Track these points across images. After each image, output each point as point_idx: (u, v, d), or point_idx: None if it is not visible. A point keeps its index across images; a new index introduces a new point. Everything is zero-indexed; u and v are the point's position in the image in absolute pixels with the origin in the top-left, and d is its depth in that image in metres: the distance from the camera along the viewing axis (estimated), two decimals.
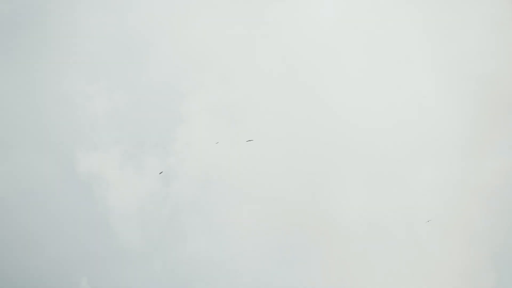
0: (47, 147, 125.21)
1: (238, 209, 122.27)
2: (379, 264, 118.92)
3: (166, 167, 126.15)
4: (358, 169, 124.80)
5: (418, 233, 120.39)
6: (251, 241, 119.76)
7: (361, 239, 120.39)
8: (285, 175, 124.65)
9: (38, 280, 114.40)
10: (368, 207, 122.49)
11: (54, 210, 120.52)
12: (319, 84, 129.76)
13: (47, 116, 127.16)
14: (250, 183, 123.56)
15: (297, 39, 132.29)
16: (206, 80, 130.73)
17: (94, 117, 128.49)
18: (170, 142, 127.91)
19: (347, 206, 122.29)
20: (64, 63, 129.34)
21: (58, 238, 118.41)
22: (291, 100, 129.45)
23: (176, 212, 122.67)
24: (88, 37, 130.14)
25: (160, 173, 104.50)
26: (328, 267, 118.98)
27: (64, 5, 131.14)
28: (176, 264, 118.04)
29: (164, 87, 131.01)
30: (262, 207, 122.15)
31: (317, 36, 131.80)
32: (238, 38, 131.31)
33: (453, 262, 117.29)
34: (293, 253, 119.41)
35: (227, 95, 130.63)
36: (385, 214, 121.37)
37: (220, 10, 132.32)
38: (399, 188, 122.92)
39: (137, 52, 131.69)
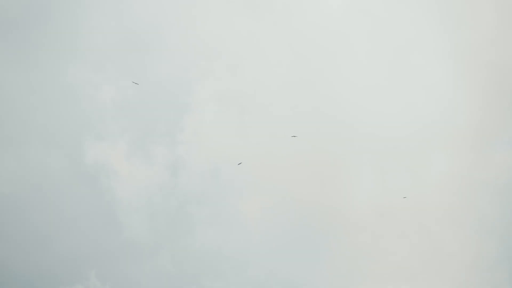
0: (54, 140, 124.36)
1: (246, 200, 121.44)
2: (389, 254, 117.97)
3: (174, 157, 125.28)
4: (367, 159, 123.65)
5: (428, 224, 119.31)
6: (259, 233, 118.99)
7: (370, 229, 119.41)
8: (294, 166, 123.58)
9: (46, 274, 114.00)
10: (378, 198, 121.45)
11: (62, 203, 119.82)
12: (327, 73, 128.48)
13: (54, 107, 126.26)
14: (259, 174, 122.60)
15: (305, 27, 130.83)
16: (215, 69, 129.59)
17: (102, 107, 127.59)
18: (178, 132, 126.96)
19: (357, 196, 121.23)
20: (70, 53, 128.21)
21: (66, 231, 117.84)
22: (300, 89, 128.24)
23: (184, 204, 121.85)
24: (95, 26, 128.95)
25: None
26: (337, 258, 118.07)
27: None
28: (184, 257, 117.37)
29: (172, 76, 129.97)
30: (271, 199, 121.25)
31: (325, 23, 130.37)
32: (246, 26, 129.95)
33: (464, 254, 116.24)
34: (301, 245, 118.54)
35: (236, 84, 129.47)
36: (395, 205, 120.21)
37: None
38: (410, 179, 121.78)
39: (145, 41, 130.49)
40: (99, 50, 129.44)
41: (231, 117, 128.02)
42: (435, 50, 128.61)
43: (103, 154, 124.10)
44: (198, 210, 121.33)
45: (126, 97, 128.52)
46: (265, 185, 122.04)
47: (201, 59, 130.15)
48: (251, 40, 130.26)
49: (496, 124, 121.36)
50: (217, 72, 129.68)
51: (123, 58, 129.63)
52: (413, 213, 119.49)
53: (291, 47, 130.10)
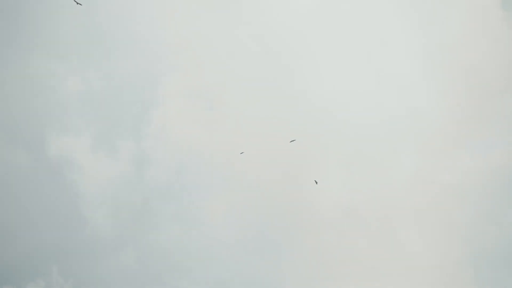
0: (16, 132, 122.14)
1: (212, 197, 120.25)
2: (355, 254, 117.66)
3: (139, 151, 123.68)
4: (335, 158, 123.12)
5: (394, 224, 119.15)
6: (225, 231, 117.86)
7: (336, 229, 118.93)
8: (262, 162, 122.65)
9: (7, 269, 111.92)
10: (345, 196, 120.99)
11: (24, 197, 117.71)
12: (296, 70, 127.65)
13: (15, 99, 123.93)
14: (225, 171, 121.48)
15: (275, 23, 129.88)
16: (183, 63, 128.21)
17: (66, 99, 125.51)
18: (144, 126, 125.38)
19: (324, 195, 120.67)
20: (33, 44, 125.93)
21: (28, 225, 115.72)
22: (269, 84, 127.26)
23: (149, 199, 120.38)
24: (61, 18, 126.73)
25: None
26: (303, 257, 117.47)
27: None
28: (148, 254, 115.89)
29: (139, 69, 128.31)
30: (237, 196, 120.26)
31: (295, 20, 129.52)
32: (215, 22, 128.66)
33: (430, 254, 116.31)
34: (267, 243, 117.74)
35: (204, 79, 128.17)
36: (362, 204, 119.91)
37: None
38: (377, 177, 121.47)
39: (112, 34, 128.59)
40: (64, 42, 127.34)
41: (198, 112, 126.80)
42: (406, 49, 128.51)
43: (67, 147, 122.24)
44: (163, 206, 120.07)
45: (92, 89, 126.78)
46: (231, 182, 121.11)
47: (169, 53, 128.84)
48: (220, 35, 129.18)
49: (465, 128, 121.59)
50: (185, 67, 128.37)
51: (88, 50, 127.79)
52: (379, 212, 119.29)
53: (261, 43, 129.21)
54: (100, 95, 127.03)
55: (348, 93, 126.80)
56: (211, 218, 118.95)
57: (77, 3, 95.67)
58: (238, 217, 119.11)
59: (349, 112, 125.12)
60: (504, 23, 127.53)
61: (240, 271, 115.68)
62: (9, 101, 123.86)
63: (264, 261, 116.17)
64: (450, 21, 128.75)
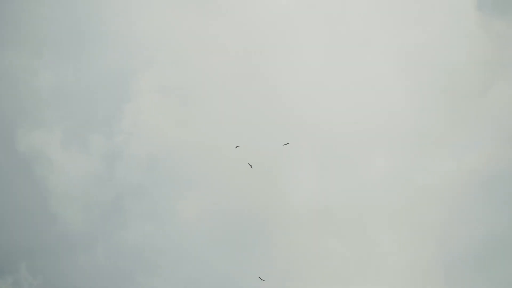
0: None
1: (184, 195, 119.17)
2: (327, 253, 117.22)
3: (111, 147, 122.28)
4: (308, 157, 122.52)
5: (367, 223, 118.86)
6: (196, 229, 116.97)
7: (308, 228, 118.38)
8: (234, 159, 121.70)
9: None
10: (318, 193, 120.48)
11: None
12: (271, 68, 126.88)
13: None
14: (197, 169, 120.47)
15: (251, 21, 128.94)
16: (156, 59, 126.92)
17: (38, 93, 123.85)
18: (117, 121, 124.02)
19: (295, 194, 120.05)
20: (5, 38, 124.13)
21: None
22: (244, 82, 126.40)
23: (120, 196, 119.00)
24: (35, 13, 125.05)
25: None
26: (275, 254, 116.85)
27: None
28: (119, 251, 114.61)
29: (113, 64, 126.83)
30: (209, 194, 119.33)
31: (272, 18, 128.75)
32: (190, 18, 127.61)
33: (401, 255, 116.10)
34: (239, 242, 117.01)
35: (177, 76, 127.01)
36: (335, 202, 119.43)
37: None
38: (351, 177, 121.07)
39: (87, 28, 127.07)
40: (37, 37, 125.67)
41: (171, 109, 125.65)
42: (383, 50, 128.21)
43: (38, 142, 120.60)
44: (135, 203, 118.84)
45: (64, 84, 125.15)
46: (203, 181, 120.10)
47: (143, 48, 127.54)
48: (194, 32, 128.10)
49: (439, 131, 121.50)
50: (159, 63, 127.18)
51: (61, 45, 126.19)
52: (352, 212, 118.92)
53: (235, 40, 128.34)
54: (72, 90, 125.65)
55: (324, 92, 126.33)
56: (183, 216, 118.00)
57: (285, 144, 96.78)
58: (211, 216, 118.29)
59: (324, 111, 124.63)
60: (479, 24, 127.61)
61: (212, 270, 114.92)
62: None
63: (236, 259, 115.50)
64: (427, 22, 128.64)
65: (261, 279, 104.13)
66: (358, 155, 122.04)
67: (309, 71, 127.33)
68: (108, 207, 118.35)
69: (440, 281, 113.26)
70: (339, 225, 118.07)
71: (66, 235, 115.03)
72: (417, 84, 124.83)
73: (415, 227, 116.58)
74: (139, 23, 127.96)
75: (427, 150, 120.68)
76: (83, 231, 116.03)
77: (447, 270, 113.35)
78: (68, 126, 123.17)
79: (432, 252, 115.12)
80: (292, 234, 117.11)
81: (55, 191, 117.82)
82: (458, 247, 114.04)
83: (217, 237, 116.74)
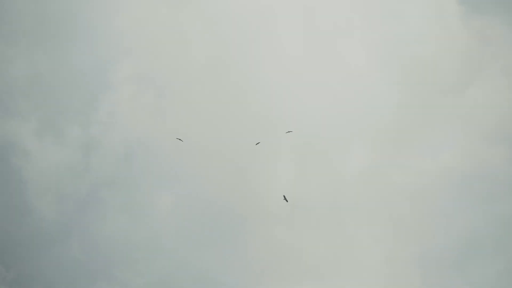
0: None
1: (160, 187, 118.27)
2: (303, 248, 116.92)
3: (87, 137, 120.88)
4: (285, 151, 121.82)
5: (344, 219, 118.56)
6: (172, 222, 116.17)
7: (285, 223, 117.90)
8: (210, 153, 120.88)
9: None
10: (295, 189, 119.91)
11: None
12: (249, 61, 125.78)
13: None
14: (174, 161, 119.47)
15: (227, 12, 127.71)
16: (134, 50, 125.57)
17: (12, 82, 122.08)
18: (93, 111, 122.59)
19: (274, 187, 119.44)
20: None
21: None
22: (220, 76, 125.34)
23: (95, 188, 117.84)
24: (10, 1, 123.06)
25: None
26: (251, 249, 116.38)
27: None
28: (94, 244, 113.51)
29: (89, 53, 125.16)
30: (186, 186, 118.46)
31: (248, 9, 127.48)
32: (166, 8, 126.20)
33: (377, 252, 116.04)
34: (216, 236, 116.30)
35: (155, 66, 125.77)
36: (311, 197, 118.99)
37: None
38: (327, 172, 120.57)
39: (63, 17, 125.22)
40: (12, 25, 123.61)
41: (148, 100, 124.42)
42: (361, 43, 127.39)
43: (12, 132, 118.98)
44: (110, 195, 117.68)
45: (39, 73, 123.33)
46: (180, 173, 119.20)
47: (120, 38, 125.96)
48: (172, 23, 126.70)
49: (418, 128, 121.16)
50: (136, 53, 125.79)
51: (37, 34, 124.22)
52: (328, 208, 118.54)
53: (212, 33, 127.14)
54: (47, 79, 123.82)
55: (301, 86, 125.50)
56: (159, 209, 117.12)
57: (288, 132, 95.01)
58: (186, 209, 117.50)
59: (301, 105, 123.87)
60: (460, 20, 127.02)
61: (187, 264, 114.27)
62: None
63: (211, 254, 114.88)
64: (407, 15, 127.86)
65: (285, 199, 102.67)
66: (335, 151, 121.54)
67: (286, 64, 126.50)
68: (84, 199, 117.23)
69: (417, 277, 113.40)
70: (316, 221, 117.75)
71: (40, 227, 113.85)
72: (395, 79, 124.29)
73: (392, 224, 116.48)
74: (116, 12, 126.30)
75: (404, 148, 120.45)
76: (57, 223, 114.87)
77: (424, 267, 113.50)
78: (43, 115, 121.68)
79: (408, 249, 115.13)
80: (268, 230, 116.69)
81: (29, 182, 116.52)
82: (435, 244, 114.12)
83: (193, 231, 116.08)
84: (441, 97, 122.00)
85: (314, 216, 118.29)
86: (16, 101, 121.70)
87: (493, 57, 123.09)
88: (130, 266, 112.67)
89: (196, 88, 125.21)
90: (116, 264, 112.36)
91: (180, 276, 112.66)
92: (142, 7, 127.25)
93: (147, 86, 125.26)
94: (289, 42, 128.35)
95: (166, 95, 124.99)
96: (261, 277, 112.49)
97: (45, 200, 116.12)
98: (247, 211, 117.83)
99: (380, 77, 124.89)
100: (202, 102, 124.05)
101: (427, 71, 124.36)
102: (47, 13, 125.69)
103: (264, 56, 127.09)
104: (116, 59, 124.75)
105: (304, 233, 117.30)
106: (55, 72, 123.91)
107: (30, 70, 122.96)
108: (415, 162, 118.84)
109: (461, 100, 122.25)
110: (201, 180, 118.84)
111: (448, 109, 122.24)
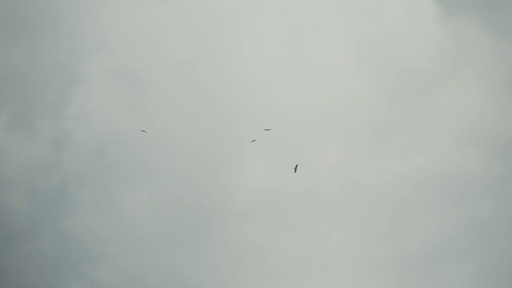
0: None
1: (132, 184, 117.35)
2: (275, 247, 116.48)
3: (59, 132, 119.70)
4: (258, 146, 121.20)
5: (315, 217, 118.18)
6: (144, 219, 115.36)
7: (257, 220, 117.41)
8: (184, 149, 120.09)
9: None
10: (266, 186, 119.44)
11: None
12: (224, 55, 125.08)
13: None
14: (146, 158, 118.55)
15: (205, 6, 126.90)
16: (108, 43, 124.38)
17: None
18: (66, 105, 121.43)
19: (245, 185, 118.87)
20: None
21: None
22: (194, 71, 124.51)
23: (66, 183, 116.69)
24: None
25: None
26: (220, 247, 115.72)
27: None
28: (63, 240, 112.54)
29: (63, 46, 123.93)
30: (157, 184, 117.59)
31: (226, 4, 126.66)
32: (142, 3, 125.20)
33: (350, 250, 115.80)
34: (186, 232, 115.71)
35: (129, 61, 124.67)
36: (283, 194, 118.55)
37: None
38: (299, 170, 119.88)
39: (36, 10, 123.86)
40: None
41: (121, 95, 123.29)
42: (337, 40, 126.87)
43: None
44: (81, 191, 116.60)
45: (11, 66, 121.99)
46: (152, 169, 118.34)
47: (95, 32, 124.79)
48: (148, 17, 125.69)
49: (391, 129, 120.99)
50: (110, 46, 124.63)
51: (10, 27, 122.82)
52: (300, 206, 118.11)
53: (189, 27, 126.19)
54: (20, 72, 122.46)
55: (275, 82, 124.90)
56: (129, 206, 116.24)
57: (266, 129, 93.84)
58: (158, 206, 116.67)
59: (274, 101, 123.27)
60: (436, 20, 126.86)
61: (157, 261, 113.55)
62: None
63: (181, 251, 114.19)
64: (383, 13, 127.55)
65: (296, 169, 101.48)
66: (308, 149, 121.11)
67: (262, 63, 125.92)
68: (54, 194, 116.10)
69: (389, 278, 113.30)
70: (288, 220, 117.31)
71: (9, 222, 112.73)
72: (369, 77, 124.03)
73: (365, 224, 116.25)
74: (91, 6, 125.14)
75: (378, 148, 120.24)
76: (28, 218, 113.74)
77: (396, 268, 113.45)
78: (15, 109, 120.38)
79: (381, 250, 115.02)
80: (239, 228, 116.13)
81: None
82: (407, 245, 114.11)
83: (164, 228, 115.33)
84: (414, 98, 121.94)
85: (286, 215, 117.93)
86: None
87: (467, 60, 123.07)
88: (99, 262, 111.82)
89: (170, 84, 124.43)
90: (85, 260, 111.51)
91: (150, 273, 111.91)
92: (117, 1, 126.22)
93: (121, 81, 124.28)
94: (265, 41, 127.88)
95: (139, 90, 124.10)
96: (231, 275, 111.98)
97: (15, 195, 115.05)
98: (218, 208, 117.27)
99: (354, 77, 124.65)
100: (176, 98, 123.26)
101: (401, 71, 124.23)
102: (19, 7, 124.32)
103: (239, 54, 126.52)
104: (89, 53, 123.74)
105: (276, 231, 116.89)
106: (27, 66, 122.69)
107: (2, 63, 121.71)
108: (388, 163, 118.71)
109: (434, 102, 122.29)
110: (173, 176, 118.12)
111: (421, 110, 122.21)
